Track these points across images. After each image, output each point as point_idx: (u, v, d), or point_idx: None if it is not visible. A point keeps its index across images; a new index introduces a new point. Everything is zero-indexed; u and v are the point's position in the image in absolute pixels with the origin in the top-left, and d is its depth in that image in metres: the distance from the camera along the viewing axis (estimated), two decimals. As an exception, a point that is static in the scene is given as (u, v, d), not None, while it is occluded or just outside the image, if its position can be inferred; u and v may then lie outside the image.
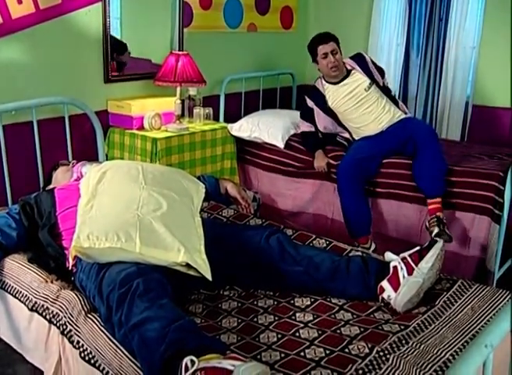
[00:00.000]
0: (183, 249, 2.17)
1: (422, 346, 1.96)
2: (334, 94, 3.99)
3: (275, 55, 5.48)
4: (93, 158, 3.72)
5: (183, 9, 4.41)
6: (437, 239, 2.40)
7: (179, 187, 2.62)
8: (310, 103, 4.10)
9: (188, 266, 2.19)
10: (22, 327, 2.49)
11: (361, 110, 3.92)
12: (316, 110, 4.07)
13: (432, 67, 5.06)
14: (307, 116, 4.14)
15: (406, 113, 4.01)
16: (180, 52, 4.11)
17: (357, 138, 4.01)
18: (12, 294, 2.51)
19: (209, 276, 2.20)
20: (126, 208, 2.30)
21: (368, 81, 3.93)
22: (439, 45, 4.99)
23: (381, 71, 4.10)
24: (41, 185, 3.41)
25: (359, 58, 4.05)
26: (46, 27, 3.53)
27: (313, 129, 4.15)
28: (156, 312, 1.89)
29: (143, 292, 1.96)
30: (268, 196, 4.46)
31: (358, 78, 3.96)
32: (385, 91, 4.05)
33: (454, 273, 2.61)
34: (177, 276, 2.22)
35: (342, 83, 3.97)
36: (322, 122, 4.09)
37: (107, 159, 3.91)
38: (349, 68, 4.00)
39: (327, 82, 4.03)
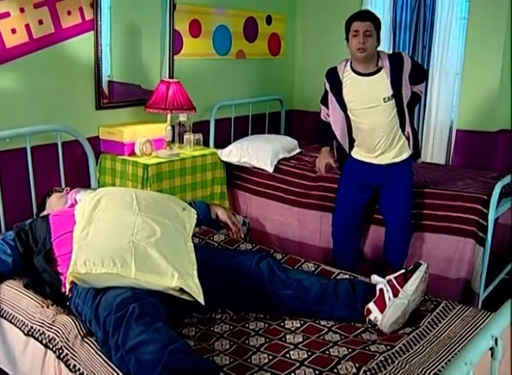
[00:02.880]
0: (177, 274, 2.23)
1: (407, 365, 2.03)
2: (351, 84, 3.48)
3: (264, 82, 5.57)
4: (85, 183, 3.78)
5: (173, 37, 4.50)
6: (421, 262, 2.47)
7: (171, 213, 2.68)
8: (327, 86, 3.63)
9: (181, 290, 2.25)
10: (17, 352, 2.51)
11: (368, 118, 3.47)
12: (330, 96, 3.60)
13: (416, 93, 5.16)
14: (325, 100, 3.70)
15: (408, 144, 3.52)
16: (171, 80, 4.19)
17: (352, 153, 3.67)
18: (7, 320, 2.54)
19: (202, 300, 2.26)
20: (121, 235, 2.36)
21: (390, 92, 3.39)
22: (422, 72, 5.09)
23: (418, 77, 3.53)
24: (35, 211, 3.46)
25: (396, 60, 3.42)
26: (39, 56, 3.59)
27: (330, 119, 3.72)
28: (152, 336, 1.96)
29: (138, 316, 2.02)
30: (257, 220, 4.52)
31: (384, 81, 3.39)
32: (409, 104, 3.50)
33: (440, 295, 2.66)
34: (171, 301, 2.28)
35: (364, 78, 3.43)
36: (336, 116, 3.60)
37: (99, 185, 3.96)
38: (380, 65, 3.42)
39: (351, 68, 3.47)
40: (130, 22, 4.30)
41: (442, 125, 5.00)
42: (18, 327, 2.47)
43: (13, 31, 3.42)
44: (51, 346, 2.30)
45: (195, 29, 4.72)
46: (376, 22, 3.39)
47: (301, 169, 4.35)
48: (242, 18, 5.19)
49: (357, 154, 3.64)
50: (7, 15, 3.36)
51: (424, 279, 2.42)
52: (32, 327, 2.41)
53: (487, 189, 3.72)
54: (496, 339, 1.48)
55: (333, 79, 3.54)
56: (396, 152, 3.54)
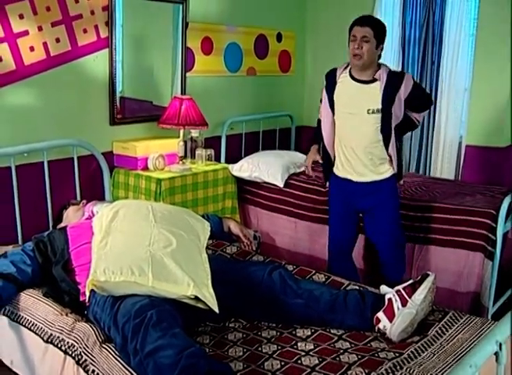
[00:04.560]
0: (192, 283, 2.31)
1: (415, 371, 2.09)
2: (343, 86, 3.38)
3: (274, 98, 5.65)
4: (100, 197, 3.86)
5: (185, 54, 4.59)
6: (429, 273, 2.53)
7: (186, 225, 2.76)
8: (324, 84, 3.51)
9: (196, 299, 2.33)
10: (36, 359, 2.57)
11: (349, 124, 3.37)
12: (324, 95, 3.49)
13: (425, 109, 5.21)
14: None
15: (392, 167, 3.40)
16: (184, 97, 4.27)
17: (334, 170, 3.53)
18: (27, 327, 2.60)
19: (216, 309, 2.33)
20: (138, 245, 2.45)
21: (378, 106, 3.26)
22: (431, 88, 5.14)
23: (417, 105, 3.40)
24: (51, 223, 3.54)
25: (395, 78, 3.27)
26: (56, 73, 3.69)
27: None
28: (169, 341, 2.03)
29: (156, 322, 2.10)
30: (267, 234, 4.56)
31: (374, 94, 3.27)
32: (400, 128, 3.39)
33: (451, 308, 2.69)
34: (186, 309, 2.36)
35: (357, 84, 3.33)
36: (325, 117, 3.47)
37: (113, 199, 4.02)
38: (376, 77, 3.28)
39: (349, 71, 3.37)
40: (142, 39, 4.41)
41: (451, 140, 5.03)
42: (37, 335, 2.53)
43: (31, 49, 3.53)
44: (70, 352, 2.36)
45: (207, 46, 4.82)
46: (377, 29, 3.24)
47: (311, 184, 4.40)
48: (253, 35, 5.29)
49: (337, 169, 3.51)
50: (26, 33, 3.47)
51: (432, 289, 2.48)
52: (51, 334, 2.47)
53: (495, 203, 3.76)
54: (501, 344, 1.54)
55: (331, 79, 3.45)
56: (376, 169, 3.41)
